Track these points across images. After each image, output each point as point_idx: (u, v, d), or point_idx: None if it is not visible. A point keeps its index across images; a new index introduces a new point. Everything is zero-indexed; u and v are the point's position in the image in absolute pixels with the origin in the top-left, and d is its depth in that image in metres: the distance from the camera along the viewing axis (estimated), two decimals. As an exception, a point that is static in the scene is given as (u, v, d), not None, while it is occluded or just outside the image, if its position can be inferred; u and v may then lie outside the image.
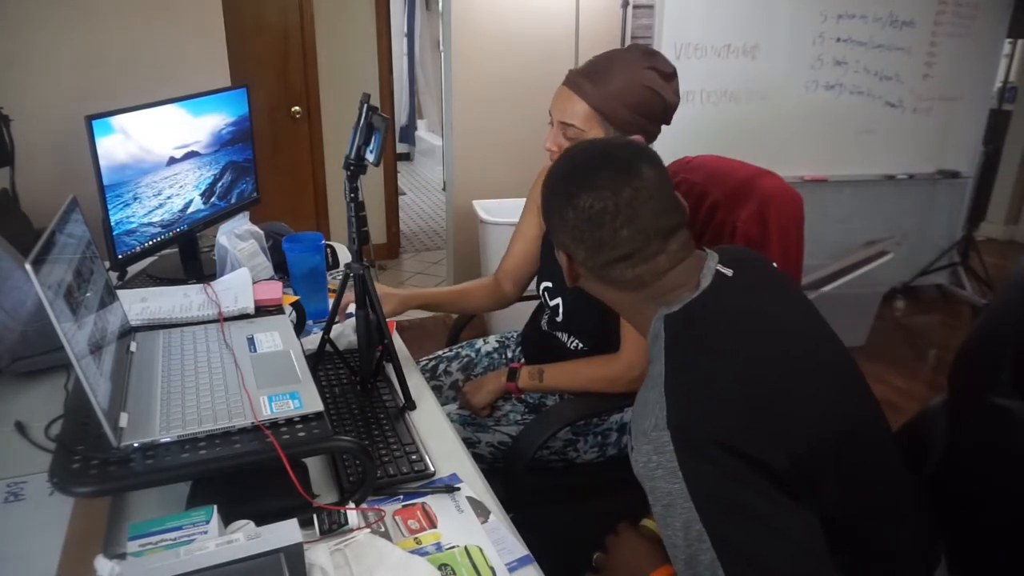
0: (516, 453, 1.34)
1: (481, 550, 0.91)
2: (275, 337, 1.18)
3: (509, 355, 1.73)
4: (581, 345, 1.48)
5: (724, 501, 0.74)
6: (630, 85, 1.31)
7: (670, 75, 1.35)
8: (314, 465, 1.05)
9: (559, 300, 1.49)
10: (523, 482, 1.32)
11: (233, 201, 1.93)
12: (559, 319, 1.50)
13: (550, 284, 1.52)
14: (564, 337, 1.51)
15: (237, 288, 1.41)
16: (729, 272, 0.90)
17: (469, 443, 1.42)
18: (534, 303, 1.67)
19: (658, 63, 1.33)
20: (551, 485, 1.47)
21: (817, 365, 0.88)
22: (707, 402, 0.78)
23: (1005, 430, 0.88)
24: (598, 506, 1.13)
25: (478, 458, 1.42)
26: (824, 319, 0.97)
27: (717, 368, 0.81)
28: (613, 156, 0.92)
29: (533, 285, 1.63)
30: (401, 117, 7.15)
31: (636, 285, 0.91)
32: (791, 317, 0.93)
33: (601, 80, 1.32)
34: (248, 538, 0.73)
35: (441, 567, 0.87)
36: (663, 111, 1.35)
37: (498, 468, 1.42)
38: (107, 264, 1.49)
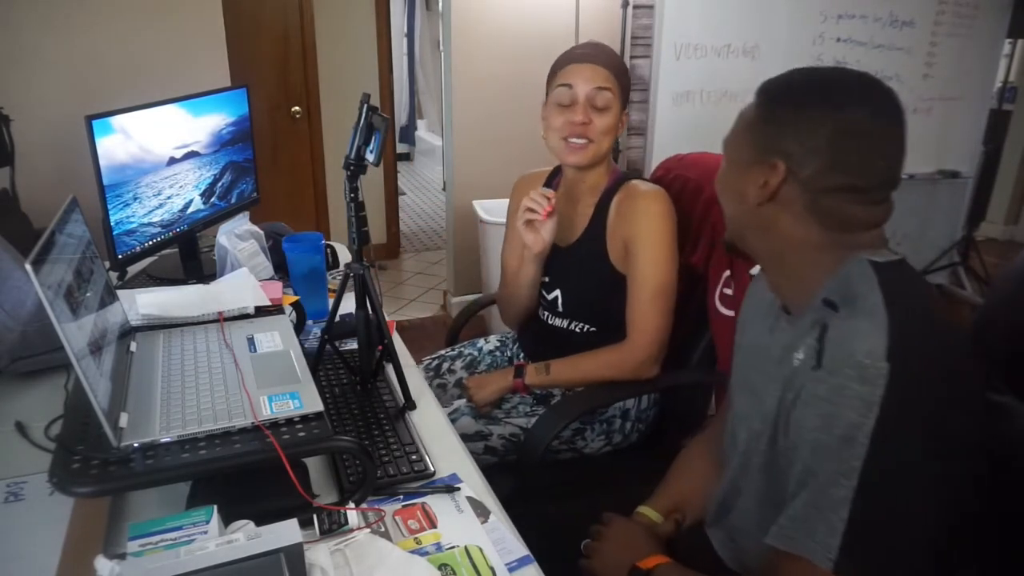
0: (529, 448, 1.36)
1: (481, 550, 0.91)
2: (275, 337, 1.18)
3: (509, 353, 1.74)
4: (588, 327, 1.52)
5: (905, 448, 0.71)
6: (619, 62, 1.45)
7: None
8: (314, 465, 1.05)
9: (557, 292, 1.54)
10: (538, 476, 1.35)
11: (233, 201, 1.93)
12: (560, 309, 1.54)
13: (546, 279, 1.55)
14: (567, 324, 1.54)
15: (237, 288, 1.40)
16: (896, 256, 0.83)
17: (482, 436, 1.44)
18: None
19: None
20: (561, 478, 1.48)
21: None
22: (933, 337, 0.74)
23: (998, 426, 0.87)
24: (602, 501, 1.13)
25: (491, 451, 1.44)
26: None
27: (933, 317, 0.77)
28: (878, 82, 0.82)
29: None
30: (401, 117, 7.15)
31: (838, 225, 0.81)
32: None
33: (603, 53, 1.44)
34: (248, 538, 0.73)
35: (441, 567, 0.87)
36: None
37: (510, 461, 1.44)
38: (107, 264, 1.49)
